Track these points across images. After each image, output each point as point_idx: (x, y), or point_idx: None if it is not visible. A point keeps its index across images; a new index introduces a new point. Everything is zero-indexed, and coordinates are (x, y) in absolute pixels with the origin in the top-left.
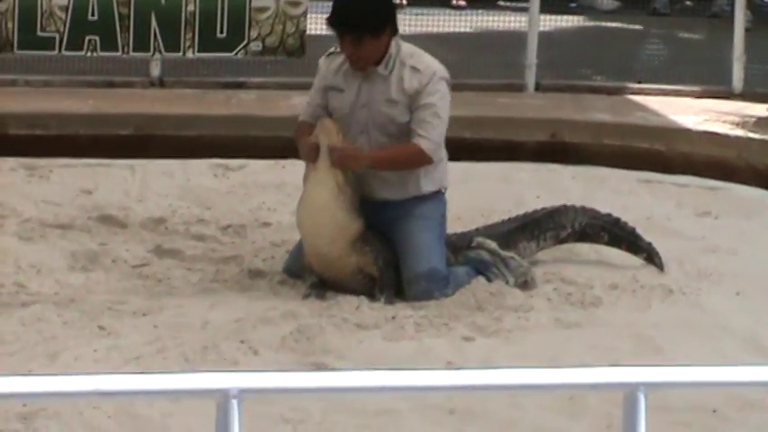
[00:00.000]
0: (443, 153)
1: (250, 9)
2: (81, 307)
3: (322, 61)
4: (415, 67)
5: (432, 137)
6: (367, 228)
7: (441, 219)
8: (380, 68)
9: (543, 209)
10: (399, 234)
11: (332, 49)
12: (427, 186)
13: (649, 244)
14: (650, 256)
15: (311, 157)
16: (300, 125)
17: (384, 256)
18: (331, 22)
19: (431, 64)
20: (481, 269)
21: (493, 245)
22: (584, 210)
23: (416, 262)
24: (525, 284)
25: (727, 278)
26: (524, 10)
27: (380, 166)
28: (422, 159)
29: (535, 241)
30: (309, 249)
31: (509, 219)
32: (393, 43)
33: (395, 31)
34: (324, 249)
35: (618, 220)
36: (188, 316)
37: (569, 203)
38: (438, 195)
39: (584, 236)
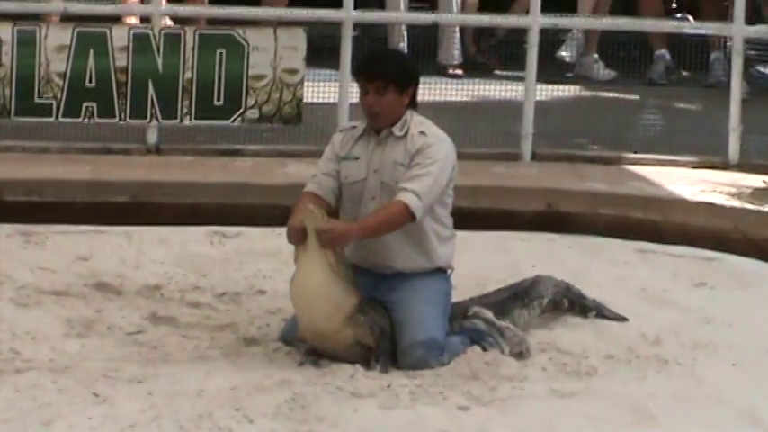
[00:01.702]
0: (454, 234)
1: (247, 77)
2: (76, 374)
3: (335, 136)
4: (424, 132)
5: (418, 191)
6: (363, 298)
7: (445, 296)
8: (396, 130)
9: (525, 279)
10: (402, 303)
11: (345, 125)
12: (439, 260)
13: (594, 300)
14: (600, 312)
15: (299, 240)
16: (302, 198)
17: (380, 325)
18: (359, 68)
19: (438, 132)
20: (476, 338)
21: (489, 314)
22: (549, 278)
23: (416, 330)
24: (521, 354)
25: (723, 349)
26: (521, 79)
27: (369, 234)
28: (405, 216)
29: (526, 310)
30: (305, 327)
31: (500, 289)
32: (408, 111)
33: (414, 101)
34: (320, 327)
35: (569, 285)
36: (183, 383)
37: (543, 274)
38: (444, 275)
39: (555, 305)
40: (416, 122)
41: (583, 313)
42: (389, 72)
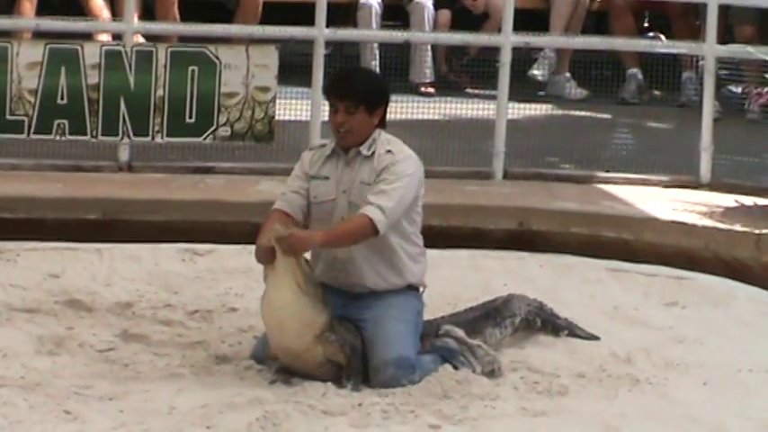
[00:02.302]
0: (425, 253)
1: (219, 94)
2: (47, 391)
3: (305, 154)
4: (390, 150)
5: (383, 206)
6: (333, 317)
7: (416, 314)
8: (363, 149)
9: (498, 298)
10: (372, 321)
11: (315, 143)
12: (410, 277)
13: (567, 320)
14: (572, 331)
15: (267, 260)
16: (271, 215)
17: (351, 343)
18: (330, 86)
19: (405, 149)
20: (448, 357)
21: (460, 332)
22: (522, 297)
23: (386, 349)
24: (492, 373)
25: (694, 368)
26: (493, 98)
27: (330, 243)
28: (368, 230)
29: (498, 329)
30: (275, 345)
31: (471, 307)
32: (377, 130)
33: (383, 121)
34: (291, 345)
35: (542, 304)
36: (154, 401)
37: (517, 293)
38: (416, 293)
39: (527, 323)
40: (383, 141)
41: (555, 333)
42: (360, 91)
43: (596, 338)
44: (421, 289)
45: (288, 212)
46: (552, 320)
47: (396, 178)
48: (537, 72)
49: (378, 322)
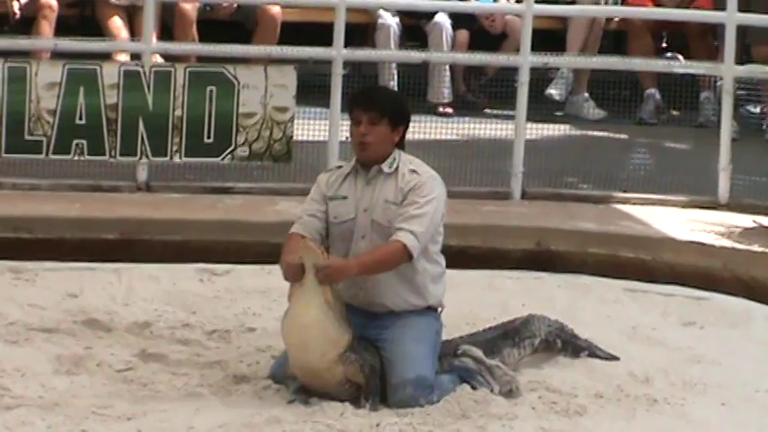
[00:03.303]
0: (444, 271)
1: (237, 115)
2: (65, 411)
3: (321, 176)
4: (414, 170)
5: (415, 231)
6: (354, 335)
7: (435, 335)
8: (384, 167)
9: (517, 318)
10: (391, 341)
11: (331, 166)
12: (430, 298)
13: (587, 340)
14: (592, 352)
15: (296, 277)
16: (290, 239)
17: (370, 363)
18: (355, 98)
19: (429, 170)
20: (466, 377)
21: (479, 353)
22: (542, 318)
23: (405, 368)
24: (510, 393)
25: (712, 389)
26: (511, 118)
27: (367, 271)
28: (403, 256)
29: (517, 349)
30: (296, 363)
31: (490, 327)
32: (396, 150)
33: (403, 142)
34: (313, 363)
35: (563, 325)
36: (172, 421)
37: (536, 313)
38: (435, 313)
39: (547, 344)
40: (405, 161)
41: (575, 353)
42: (385, 105)
43: (616, 359)
44: (439, 309)
45: (305, 236)
46: (573, 341)
47: (425, 201)
48: (554, 91)
49: (396, 342)
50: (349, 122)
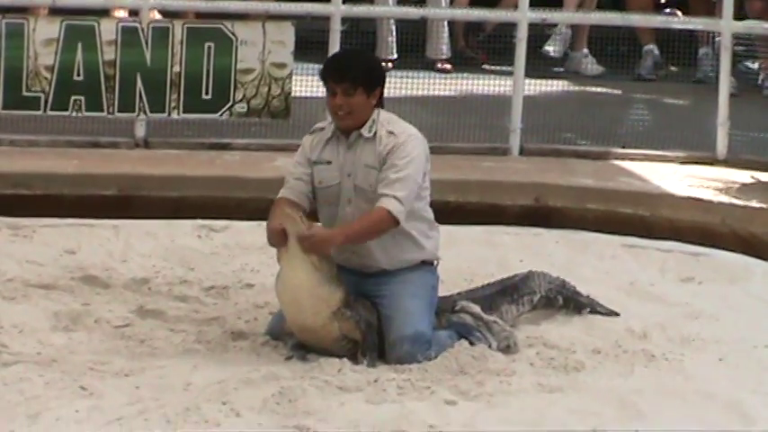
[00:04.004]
0: (437, 227)
1: (235, 71)
2: (63, 367)
3: (306, 138)
4: (391, 131)
5: (399, 196)
6: (349, 293)
7: (431, 289)
8: (364, 131)
9: (516, 275)
10: (388, 297)
11: (315, 126)
12: (424, 254)
13: (588, 296)
14: (593, 308)
15: (280, 242)
16: (277, 203)
17: (367, 319)
18: (326, 70)
19: (407, 129)
20: (464, 333)
21: (476, 308)
22: (543, 275)
23: (403, 325)
24: (508, 348)
25: (710, 344)
26: (509, 74)
27: (352, 241)
28: (389, 222)
29: (515, 305)
30: (292, 322)
31: (488, 283)
32: (376, 110)
33: (381, 102)
34: (307, 322)
35: (564, 282)
36: (170, 377)
37: (537, 270)
38: (430, 267)
39: (548, 301)
40: (383, 122)
41: (577, 310)
42: (357, 74)
43: (616, 314)
44: (435, 262)
45: (293, 200)
46: (575, 298)
47: (404, 163)
48: (550, 48)
49: (393, 298)
50: None
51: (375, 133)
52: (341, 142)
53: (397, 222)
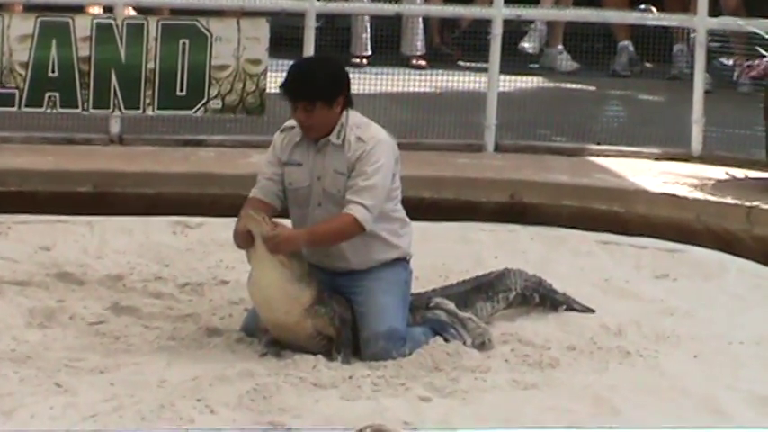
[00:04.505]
0: (409, 224)
1: (210, 67)
2: (38, 364)
3: (276, 136)
4: (360, 137)
5: (366, 204)
6: (322, 289)
7: (404, 285)
8: (333, 138)
9: (491, 272)
10: (361, 294)
11: (286, 124)
12: (395, 252)
13: (564, 294)
14: (569, 305)
15: (246, 244)
16: (248, 203)
17: (341, 315)
18: (285, 88)
19: (376, 134)
20: (438, 329)
21: (451, 305)
22: (519, 272)
23: (376, 321)
24: (483, 345)
25: (685, 341)
26: (484, 70)
27: (316, 243)
28: (355, 229)
29: (490, 302)
30: (265, 320)
31: (463, 280)
32: (344, 113)
33: (349, 103)
34: (280, 320)
35: (541, 280)
36: (145, 374)
37: (513, 267)
38: (402, 262)
39: (523, 299)
40: (352, 126)
41: (553, 308)
42: (314, 90)
43: (591, 311)
44: (408, 258)
45: (264, 200)
46: (551, 296)
47: (373, 170)
48: (527, 45)
49: (367, 295)
50: None
51: (344, 138)
52: (311, 145)
53: (363, 229)
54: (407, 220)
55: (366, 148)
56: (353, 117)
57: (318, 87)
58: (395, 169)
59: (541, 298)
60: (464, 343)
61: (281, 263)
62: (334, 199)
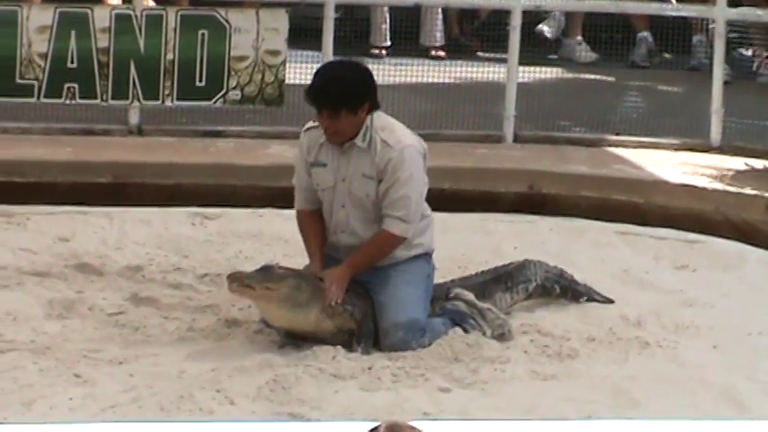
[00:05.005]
0: (430, 218)
1: (229, 58)
2: (57, 355)
3: (302, 136)
4: (386, 141)
5: (403, 216)
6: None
7: (426, 278)
8: (358, 141)
9: (511, 263)
10: (383, 285)
11: (310, 123)
12: (415, 251)
13: (585, 285)
14: (591, 296)
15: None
16: (301, 216)
17: (361, 308)
18: (309, 95)
19: (402, 137)
20: (458, 320)
21: (470, 296)
22: (540, 263)
23: (397, 312)
24: (502, 336)
25: (704, 331)
26: (503, 61)
27: (362, 270)
28: (396, 243)
29: (509, 293)
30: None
31: (482, 271)
32: (369, 116)
33: (375, 106)
34: (298, 330)
35: (562, 271)
36: (164, 365)
37: (532, 258)
38: (425, 257)
39: (543, 290)
40: (377, 128)
41: (574, 299)
42: (338, 100)
43: (611, 302)
44: (430, 252)
45: (314, 210)
46: (573, 287)
47: (405, 179)
48: (545, 28)
49: (388, 286)
50: None
51: (369, 141)
52: (336, 146)
53: (404, 240)
54: (429, 213)
55: (393, 155)
56: (379, 119)
57: (344, 95)
58: (424, 177)
59: (562, 289)
60: (483, 334)
61: (278, 303)
62: (360, 202)
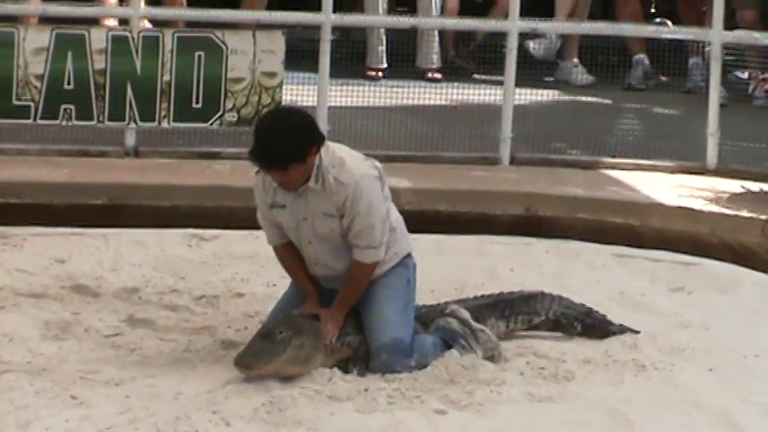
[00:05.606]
0: (398, 227)
1: (225, 80)
2: (53, 376)
3: (256, 179)
4: (338, 179)
5: (371, 244)
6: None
7: (406, 285)
8: (311, 183)
9: (521, 291)
10: (364, 303)
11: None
12: (392, 262)
13: (621, 326)
14: (623, 333)
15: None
16: (279, 251)
17: (356, 334)
18: (254, 159)
19: (353, 170)
20: (448, 339)
21: (466, 314)
22: (560, 299)
23: (379, 333)
24: (492, 359)
25: (700, 354)
26: (500, 83)
27: (353, 302)
28: (370, 270)
29: (504, 321)
30: None
31: (483, 295)
32: (317, 158)
33: (321, 143)
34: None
35: (591, 310)
36: (160, 386)
37: (547, 291)
38: (402, 261)
39: (557, 325)
40: (328, 166)
41: (602, 338)
42: (284, 159)
43: (637, 332)
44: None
45: (289, 242)
46: (604, 327)
47: (365, 211)
48: (532, 44)
49: (370, 305)
50: (337, 87)
51: (323, 182)
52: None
53: (377, 263)
54: (394, 221)
55: (349, 191)
56: (327, 155)
57: (290, 151)
58: (384, 193)
59: (585, 328)
60: (474, 354)
61: (288, 368)
62: (326, 236)
